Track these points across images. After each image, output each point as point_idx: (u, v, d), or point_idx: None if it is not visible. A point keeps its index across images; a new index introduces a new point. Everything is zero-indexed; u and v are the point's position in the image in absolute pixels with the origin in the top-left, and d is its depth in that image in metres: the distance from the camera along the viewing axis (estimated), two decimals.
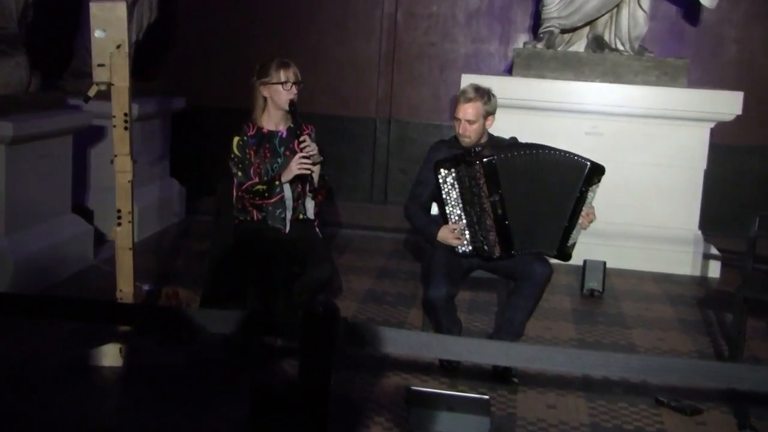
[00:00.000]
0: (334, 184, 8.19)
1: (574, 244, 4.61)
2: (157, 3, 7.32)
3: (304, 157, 4.58)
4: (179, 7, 8.63)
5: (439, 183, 4.53)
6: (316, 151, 4.62)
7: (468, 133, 4.63)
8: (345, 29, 8.66)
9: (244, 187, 4.67)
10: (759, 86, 8.12)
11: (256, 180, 4.67)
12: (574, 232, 4.57)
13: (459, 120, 4.64)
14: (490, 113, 4.68)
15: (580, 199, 4.53)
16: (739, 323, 4.85)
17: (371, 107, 8.73)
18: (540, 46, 7.12)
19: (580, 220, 4.56)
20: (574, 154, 4.55)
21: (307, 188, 4.66)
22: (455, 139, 4.77)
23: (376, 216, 8.13)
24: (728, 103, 6.74)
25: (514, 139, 4.86)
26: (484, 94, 4.66)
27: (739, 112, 6.72)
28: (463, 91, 4.68)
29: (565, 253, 4.61)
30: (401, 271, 6.52)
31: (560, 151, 4.55)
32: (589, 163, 4.53)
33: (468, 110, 4.62)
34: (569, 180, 4.51)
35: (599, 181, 4.57)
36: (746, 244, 5.14)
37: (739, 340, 4.88)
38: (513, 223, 4.49)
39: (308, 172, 4.58)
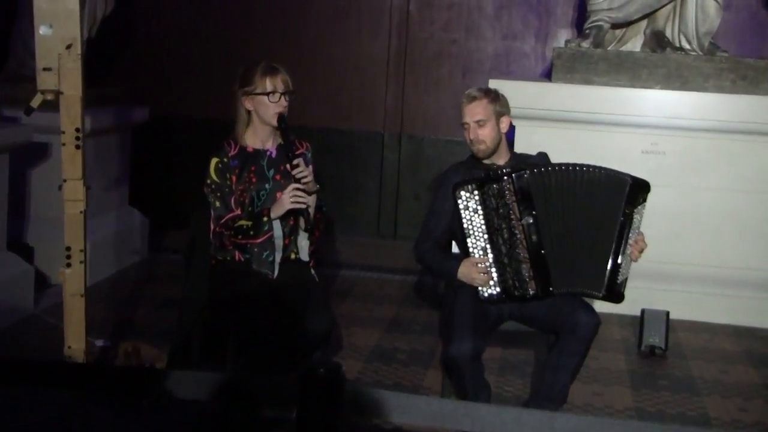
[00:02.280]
0: (334, 215, 8.23)
1: (625, 281, 4.64)
2: None
3: (297, 188, 4.60)
4: None
5: (458, 209, 4.57)
6: (311, 178, 4.65)
7: (481, 137, 4.74)
8: (346, 24, 8.73)
9: (223, 221, 4.68)
10: None
11: (239, 212, 4.69)
12: (623, 265, 4.60)
13: (467, 124, 4.77)
14: (502, 113, 4.81)
15: (626, 224, 4.57)
16: None
17: (379, 119, 8.79)
18: (586, 44, 7.17)
19: (629, 250, 4.59)
20: (612, 170, 4.61)
21: (302, 225, 4.68)
22: (474, 158, 4.84)
23: (385, 254, 8.17)
24: None
25: (543, 155, 4.94)
26: (490, 92, 4.84)
27: None
28: (466, 94, 4.84)
29: (615, 293, 4.63)
30: (415, 322, 6.54)
31: (597, 167, 4.61)
32: (630, 179, 4.57)
33: (475, 110, 4.75)
34: (610, 201, 4.57)
35: (645, 200, 4.63)
36: None
37: None
38: (550, 252, 4.52)
39: (303, 206, 4.60)
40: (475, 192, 4.55)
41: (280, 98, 4.70)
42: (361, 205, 8.80)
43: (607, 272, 4.57)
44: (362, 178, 8.80)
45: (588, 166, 4.61)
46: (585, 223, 4.57)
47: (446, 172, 4.95)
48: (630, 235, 4.58)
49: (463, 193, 4.56)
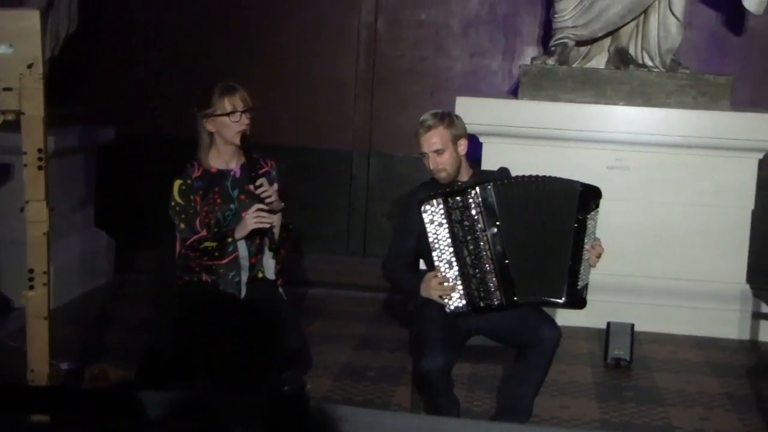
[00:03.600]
0: (303, 233, 8.27)
1: (586, 287, 4.73)
2: (77, 9, 7.34)
3: (261, 208, 4.65)
4: (105, 15, 8.73)
5: (424, 224, 4.65)
6: (275, 197, 4.69)
7: (441, 165, 4.81)
8: (314, 42, 8.78)
9: (188, 242, 4.72)
10: None
11: (205, 233, 4.73)
12: (582, 270, 4.69)
13: (426, 154, 4.83)
14: (459, 136, 4.87)
15: (580, 230, 4.66)
16: None
17: (347, 137, 8.84)
18: (552, 61, 7.27)
19: (586, 256, 4.69)
20: (563, 179, 4.71)
21: (266, 246, 4.73)
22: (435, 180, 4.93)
23: (354, 272, 8.19)
24: None
25: (504, 171, 5.03)
26: (444, 117, 4.87)
27: None
28: (421, 122, 4.87)
29: (577, 299, 4.72)
30: (385, 339, 6.60)
31: (551, 177, 4.72)
32: (580, 186, 4.67)
33: (431, 140, 4.81)
34: (563, 209, 4.66)
35: (597, 206, 4.71)
36: None
37: None
38: (514, 261, 4.62)
39: (267, 226, 4.65)
40: (440, 206, 4.62)
41: (240, 117, 4.75)
42: (331, 223, 8.84)
43: (567, 279, 4.66)
44: (331, 196, 8.84)
45: (544, 177, 4.71)
46: (543, 232, 4.66)
47: (411, 192, 5.01)
48: (586, 240, 4.67)
49: (428, 207, 4.64)
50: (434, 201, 4.63)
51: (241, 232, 4.67)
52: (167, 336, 4.68)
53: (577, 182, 4.69)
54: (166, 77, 8.71)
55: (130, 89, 8.76)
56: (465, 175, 4.91)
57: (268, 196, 4.66)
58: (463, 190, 4.63)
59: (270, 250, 4.73)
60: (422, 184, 5.04)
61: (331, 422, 2.58)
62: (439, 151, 4.80)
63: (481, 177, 4.89)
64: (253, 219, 4.63)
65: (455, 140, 4.84)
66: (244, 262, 4.76)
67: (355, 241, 8.85)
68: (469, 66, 8.74)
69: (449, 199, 4.62)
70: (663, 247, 7.06)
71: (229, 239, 4.68)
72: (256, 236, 4.74)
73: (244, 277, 4.77)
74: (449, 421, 3.09)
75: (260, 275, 4.83)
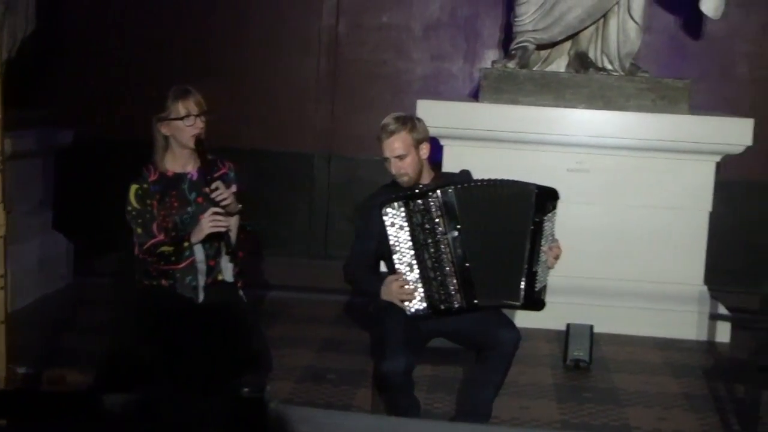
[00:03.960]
0: (263, 236, 8.28)
1: (544, 288, 4.78)
2: (34, 11, 7.30)
3: (216, 212, 4.65)
4: (63, 16, 8.69)
5: (385, 228, 4.67)
6: (231, 200, 4.69)
7: (403, 170, 4.81)
8: (275, 45, 8.80)
9: (145, 247, 4.71)
10: None
11: (162, 237, 4.72)
12: (540, 272, 4.73)
13: (388, 159, 4.83)
14: (421, 141, 4.85)
15: (537, 232, 4.69)
16: (752, 397, 5.03)
17: (308, 140, 8.86)
18: (512, 65, 7.32)
19: (543, 258, 4.73)
20: (520, 182, 4.75)
21: (223, 248, 4.74)
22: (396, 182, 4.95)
23: (316, 275, 8.21)
24: (736, 132, 6.98)
25: (465, 173, 5.05)
26: (407, 122, 4.85)
27: (749, 143, 6.94)
28: (383, 126, 4.85)
29: (535, 301, 4.76)
30: (347, 341, 6.62)
31: (509, 180, 4.76)
32: (535, 188, 4.70)
33: (394, 145, 4.79)
34: (520, 211, 4.69)
35: (554, 207, 4.75)
36: (760, 302, 5.32)
37: (752, 417, 5.06)
38: (474, 264, 4.65)
39: (223, 229, 4.65)
40: (401, 209, 4.64)
41: (195, 121, 4.74)
42: (292, 225, 8.85)
43: (524, 281, 4.70)
44: (293, 199, 8.86)
45: (502, 180, 4.75)
46: (502, 235, 4.70)
47: (372, 195, 5.01)
48: (543, 242, 4.71)
49: (389, 210, 4.65)
50: (395, 204, 4.65)
51: (197, 236, 4.67)
52: (127, 339, 4.67)
53: (533, 185, 4.72)
54: (126, 80, 8.69)
55: (89, 92, 8.74)
56: (427, 178, 4.92)
57: (224, 199, 4.65)
58: (425, 194, 4.65)
59: (227, 254, 4.73)
60: (383, 187, 5.05)
61: (291, 424, 2.59)
62: (401, 157, 4.80)
63: (443, 180, 4.90)
64: (208, 223, 4.63)
65: (417, 145, 4.84)
66: (201, 266, 4.76)
67: (316, 243, 8.87)
68: (430, 69, 8.78)
69: (410, 202, 4.64)
70: (622, 249, 7.12)
71: (186, 244, 4.68)
72: (214, 240, 4.74)
73: (202, 281, 4.77)
74: (408, 422, 3.11)
75: (219, 278, 4.83)
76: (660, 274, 7.10)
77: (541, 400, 5.70)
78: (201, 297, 4.76)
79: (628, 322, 7.00)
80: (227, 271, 4.84)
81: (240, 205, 4.77)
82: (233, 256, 4.75)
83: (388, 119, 4.88)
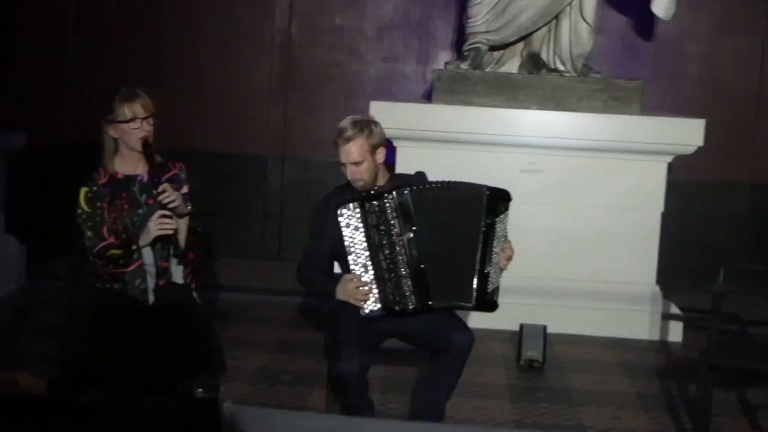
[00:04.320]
0: (217, 238, 8.27)
1: (496, 290, 4.80)
2: None
3: (163, 215, 4.63)
4: (14, 16, 8.64)
5: (340, 229, 4.68)
6: (179, 202, 4.68)
7: (359, 175, 4.80)
8: (228, 47, 8.79)
9: (95, 250, 4.71)
10: (727, 112, 8.52)
11: (113, 240, 4.71)
12: (492, 273, 4.76)
13: (344, 165, 4.82)
14: (377, 146, 4.84)
15: (488, 233, 4.72)
16: (704, 396, 5.09)
17: (261, 142, 8.86)
18: (465, 66, 7.35)
19: (495, 259, 4.76)
20: (472, 183, 4.77)
21: (171, 251, 4.73)
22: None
23: (270, 276, 8.22)
24: (688, 133, 7.04)
25: (421, 175, 5.06)
26: (364, 127, 4.82)
27: (701, 143, 7.01)
28: (339, 131, 4.82)
29: (487, 302, 4.79)
30: (301, 343, 6.62)
31: (463, 183, 4.78)
32: (486, 190, 4.73)
33: (350, 150, 4.77)
34: (472, 213, 4.72)
35: (507, 209, 4.79)
36: (711, 301, 5.38)
37: (704, 416, 5.12)
38: (428, 266, 4.67)
39: (170, 232, 4.64)
40: (357, 210, 4.65)
41: (141, 124, 4.73)
42: (246, 227, 8.85)
43: (476, 282, 4.73)
44: (246, 200, 8.85)
45: (455, 182, 4.77)
46: (455, 237, 4.72)
47: (327, 196, 5.01)
48: (495, 244, 4.74)
49: (344, 211, 4.66)
50: (351, 205, 4.66)
51: (144, 239, 4.67)
52: (79, 342, 4.66)
53: (485, 186, 4.74)
54: (78, 83, 8.65)
55: (42, 94, 8.69)
56: (382, 180, 4.92)
57: (171, 201, 4.65)
58: (380, 195, 4.66)
59: (174, 256, 4.73)
60: (338, 188, 5.05)
61: (245, 424, 2.60)
62: (357, 163, 4.79)
63: (398, 181, 4.91)
64: (155, 226, 4.62)
65: (374, 150, 4.82)
66: (151, 269, 4.75)
67: (270, 245, 8.88)
68: (384, 70, 8.81)
69: (366, 203, 4.65)
70: (575, 249, 7.18)
71: (134, 247, 4.68)
72: (161, 242, 4.73)
73: (151, 283, 4.76)
74: (363, 422, 3.12)
75: (169, 281, 4.82)
76: (613, 274, 7.15)
77: (495, 401, 5.74)
78: (151, 299, 4.75)
79: (581, 322, 7.05)
80: (177, 275, 4.83)
81: (190, 207, 4.77)
82: (181, 259, 4.74)
83: (345, 123, 4.84)
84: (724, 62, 8.66)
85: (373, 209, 4.64)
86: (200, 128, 8.70)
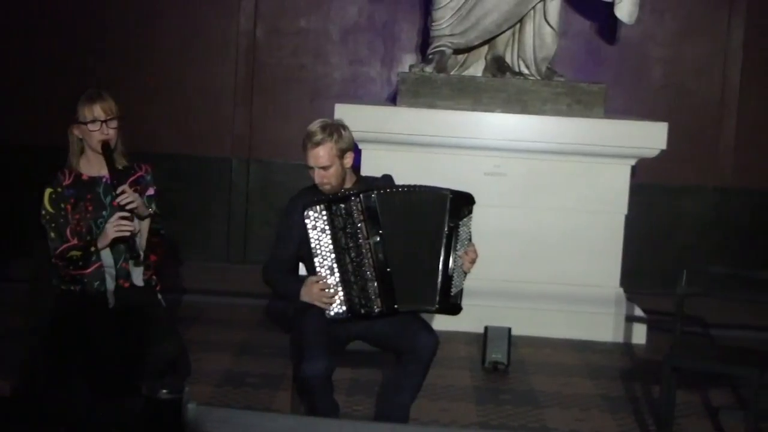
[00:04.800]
0: (182, 241, 8.25)
1: (460, 293, 4.82)
2: None
3: (122, 216, 4.62)
4: None
5: (307, 230, 4.69)
6: (138, 203, 4.66)
7: (326, 179, 4.79)
8: (193, 50, 8.78)
9: (58, 252, 4.69)
10: (690, 116, 8.60)
11: (75, 242, 4.69)
12: (455, 276, 4.78)
13: (312, 168, 4.81)
14: (345, 150, 4.82)
15: (451, 237, 4.75)
16: (667, 398, 5.13)
17: (226, 145, 8.85)
18: (429, 69, 7.35)
19: (459, 262, 4.78)
20: (436, 187, 4.80)
21: (128, 253, 4.71)
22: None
23: (234, 279, 8.21)
24: (651, 136, 7.10)
25: (387, 178, 5.07)
26: (333, 131, 4.80)
27: (664, 147, 7.06)
28: (308, 134, 4.80)
29: (450, 305, 4.81)
30: (266, 345, 6.62)
31: (427, 186, 4.80)
32: (450, 194, 4.76)
33: (319, 155, 4.75)
34: (435, 216, 4.74)
35: (470, 212, 4.81)
36: (674, 304, 5.42)
37: (667, 417, 5.17)
38: (395, 269, 4.68)
39: (127, 234, 4.62)
40: (323, 212, 4.65)
41: (101, 126, 4.72)
42: (211, 230, 8.84)
43: (439, 286, 4.75)
44: (211, 203, 8.84)
45: (422, 186, 4.79)
46: (419, 241, 4.74)
47: (293, 197, 5.00)
48: (458, 247, 4.76)
49: (311, 213, 4.66)
50: (317, 207, 4.66)
51: (102, 241, 4.65)
52: (43, 345, 4.64)
53: (448, 190, 4.77)
54: (42, 85, 8.60)
55: (4, 96, 8.63)
56: (349, 182, 4.91)
57: (130, 203, 4.64)
58: (347, 198, 4.67)
59: (131, 258, 4.71)
60: (305, 189, 5.03)
61: (209, 425, 2.60)
62: (325, 167, 4.77)
63: (365, 184, 4.92)
64: (113, 228, 4.61)
65: (342, 155, 4.81)
66: (110, 270, 4.73)
67: (235, 248, 8.86)
68: (349, 73, 8.82)
69: (333, 205, 4.66)
70: (539, 252, 7.21)
71: (92, 249, 4.66)
72: (121, 244, 4.72)
73: (111, 285, 4.74)
74: (327, 422, 3.13)
75: (130, 283, 4.80)
76: (577, 276, 7.19)
77: (459, 402, 5.75)
78: (112, 301, 4.74)
79: (545, 324, 7.09)
80: (136, 274, 4.81)
81: (151, 209, 4.76)
82: (137, 261, 4.73)
83: (314, 127, 4.82)
84: (686, 66, 8.73)
85: (340, 212, 4.65)
86: (165, 130, 8.68)
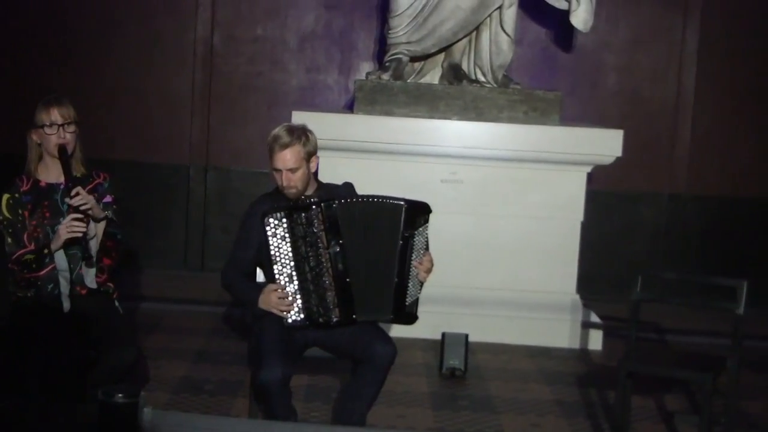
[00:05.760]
0: (139, 248, 8.24)
1: (415, 302, 4.86)
2: None
3: (75, 218, 4.61)
4: None
5: (267, 236, 4.70)
6: (91, 205, 4.66)
7: (293, 183, 4.81)
8: (149, 57, 8.77)
9: (14, 257, 4.70)
10: (645, 123, 8.70)
11: (32, 247, 4.71)
12: (411, 286, 4.82)
13: (279, 171, 4.82)
14: (312, 154, 4.87)
15: (406, 247, 4.78)
16: (622, 403, 5.19)
17: (184, 152, 8.84)
18: (386, 76, 7.38)
19: (414, 272, 4.82)
20: (392, 197, 4.82)
21: (81, 255, 4.70)
22: (280, 191, 4.96)
23: (192, 286, 8.20)
24: (606, 144, 7.16)
25: (348, 186, 5.10)
26: (300, 135, 4.84)
27: (619, 154, 7.13)
28: (276, 137, 4.83)
29: (406, 315, 4.85)
30: (224, 352, 6.61)
31: (384, 197, 4.83)
32: (404, 204, 4.79)
33: (287, 157, 4.78)
34: (390, 227, 4.77)
35: (426, 221, 4.85)
36: (628, 309, 5.48)
37: (623, 422, 5.22)
38: (354, 280, 4.71)
39: (80, 235, 4.62)
40: (284, 220, 4.67)
41: (58, 130, 4.74)
42: (169, 238, 8.83)
43: (393, 296, 4.78)
44: (169, 211, 8.83)
45: (379, 196, 4.82)
46: (376, 251, 4.77)
47: (254, 202, 5.02)
48: (413, 256, 4.79)
49: (271, 220, 4.68)
50: (278, 214, 4.68)
51: (56, 243, 4.66)
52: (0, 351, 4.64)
53: (403, 200, 4.79)
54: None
55: None
56: (310, 189, 4.94)
57: (84, 204, 4.64)
58: (308, 206, 4.69)
59: (83, 259, 4.71)
60: (265, 195, 5.06)
61: (165, 429, 2.61)
62: (293, 170, 4.79)
63: (326, 191, 4.94)
64: (65, 228, 4.62)
65: (308, 158, 4.85)
66: (65, 274, 4.73)
67: (192, 255, 8.85)
68: (306, 81, 8.84)
69: (294, 214, 4.67)
70: (496, 258, 7.25)
71: (46, 251, 4.67)
72: (76, 248, 4.72)
73: (66, 288, 4.74)
74: (279, 425, 3.15)
75: (83, 287, 4.80)
76: (533, 283, 7.24)
77: (416, 408, 5.78)
78: (66, 305, 4.74)
79: (502, 330, 7.12)
80: (88, 276, 4.80)
81: (106, 213, 4.77)
82: (88, 262, 4.72)
83: (280, 131, 4.85)
84: (641, 74, 8.82)
85: (301, 220, 4.67)
86: (122, 138, 8.67)
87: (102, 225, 4.74)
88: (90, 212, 4.66)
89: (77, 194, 4.64)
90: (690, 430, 5.47)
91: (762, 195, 8.80)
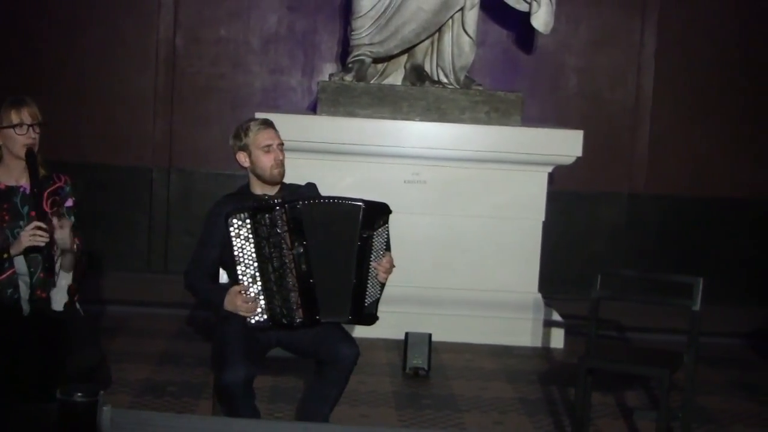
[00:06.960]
0: (102, 251, 8.20)
1: (375, 302, 4.86)
2: None
3: (38, 227, 4.57)
4: None
5: (230, 237, 4.69)
6: (66, 233, 4.62)
7: (283, 160, 4.90)
8: (112, 58, 8.72)
9: None
10: (605, 124, 8.75)
11: None
12: (370, 287, 4.82)
13: (271, 146, 4.87)
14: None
15: (364, 248, 4.78)
16: (582, 399, 5.22)
17: (147, 154, 8.81)
18: (349, 78, 7.38)
19: (374, 273, 4.82)
20: (351, 198, 4.84)
21: (42, 265, 4.66)
22: (244, 191, 4.99)
23: (155, 288, 8.16)
24: (567, 144, 7.21)
25: (311, 186, 5.12)
26: (272, 123, 5.01)
27: (579, 154, 7.18)
28: (253, 121, 4.98)
29: (365, 315, 4.85)
30: (187, 354, 6.60)
31: (345, 198, 4.86)
32: (362, 204, 4.79)
33: (272, 133, 4.92)
34: (349, 228, 4.77)
35: (386, 222, 4.85)
36: (588, 308, 5.51)
37: (584, 419, 5.25)
38: (317, 281, 4.71)
39: (42, 243, 4.58)
40: (248, 220, 4.66)
41: (27, 130, 4.71)
42: (131, 240, 8.79)
43: (351, 297, 4.78)
44: (132, 213, 8.79)
45: (341, 197, 4.85)
46: (337, 252, 4.77)
47: (217, 203, 5.00)
48: (372, 257, 4.79)
49: (235, 221, 4.66)
50: (242, 215, 4.67)
51: (16, 248, 4.62)
52: None
53: (362, 201, 4.80)
54: None
55: None
56: (275, 187, 4.96)
57: (42, 240, 4.57)
58: (272, 207, 4.69)
59: (43, 270, 4.67)
60: (229, 195, 5.07)
61: (124, 428, 2.60)
62: (281, 147, 4.89)
63: (289, 191, 4.96)
64: (28, 236, 4.57)
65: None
66: (24, 278, 4.70)
67: (156, 258, 8.82)
68: (269, 82, 8.82)
69: (257, 214, 4.67)
70: (458, 258, 7.27)
71: (5, 256, 4.63)
72: (36, 253, 4.67)
73: (25, 293, 4.71)
74: (240, 422, 3.14)
75: (45, 293, 4.77)
76: (495, 282, 7.26)
77: (380, 408, 5.79)
78: (26, 309, 4.71)
79: (465, 330, 7.14)
80: (56, 303, 4.76)
81: (72, 220, 4.74)
82: (48, 273, 4.69)
83: (254, 120, 5.02)
84: (601, 75, 8.87)
85: (265, 221, 4.66)
86: (84, 140, 8.62)
87: (67, 232, 4.68)
88: (61, 243, 4.64)
89: (62, 227, 4.61)
90: (649, 425, 5.51)
91: (718, 194, 8.88)
